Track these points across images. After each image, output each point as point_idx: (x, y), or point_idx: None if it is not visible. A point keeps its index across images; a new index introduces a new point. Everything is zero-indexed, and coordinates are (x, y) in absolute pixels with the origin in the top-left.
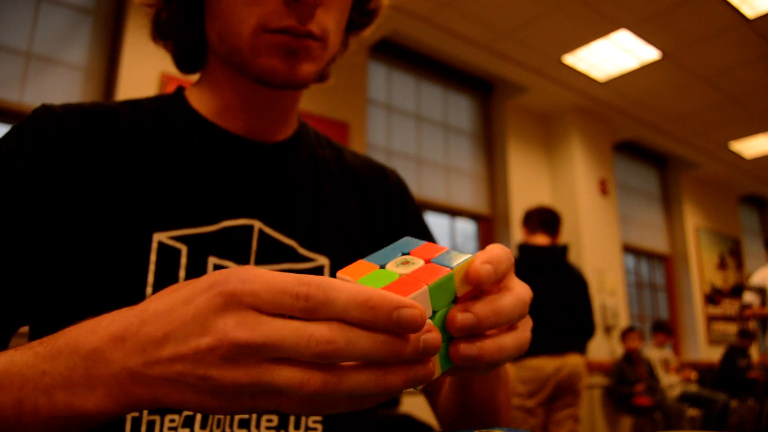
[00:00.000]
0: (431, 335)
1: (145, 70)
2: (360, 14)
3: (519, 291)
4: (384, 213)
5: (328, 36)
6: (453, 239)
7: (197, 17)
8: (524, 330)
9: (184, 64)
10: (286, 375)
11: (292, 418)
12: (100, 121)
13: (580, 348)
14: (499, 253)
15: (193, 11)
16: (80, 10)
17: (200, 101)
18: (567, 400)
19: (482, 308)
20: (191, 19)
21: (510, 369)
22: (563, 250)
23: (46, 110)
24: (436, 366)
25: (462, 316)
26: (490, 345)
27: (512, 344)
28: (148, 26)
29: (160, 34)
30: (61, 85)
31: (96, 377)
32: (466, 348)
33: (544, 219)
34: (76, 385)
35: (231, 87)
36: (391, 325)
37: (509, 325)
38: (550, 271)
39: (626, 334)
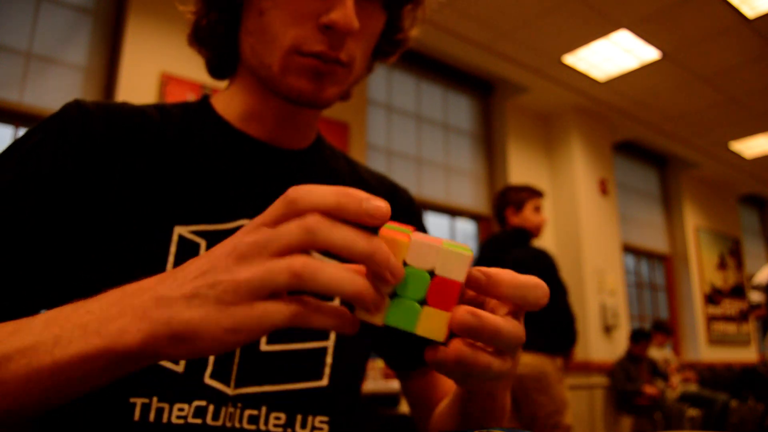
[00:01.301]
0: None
1: (145, 70)
2: (387, 44)
3: (521, 326)
4: None
5: (354, 63)
6: (453, 239)
7: (233, 28)
8: (510, 360)
9: (216, 70)
10: (280, 263)
11: (299, 417)
12: (128, 119)
13: (534, 345)
14: (506, 278)
15: (231, 22)
16: (80, 10)
17: (226, 107)
18: (526, 410)
19: (488, 319)
20: (228, 30)
21: None
22: (507, 235)
23: (77, 105)
24: (384, 305)
25: (467, 317)
26: (485, 358)
27: (498, 368)
28: (187, 32)
29: (198, 40)
30: (61, 85)
31: (128, 306)
32: (464, 348)
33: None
34: (110, 317)
35: (257, 96)
36: (361, 212)
37: (502, 349)
38: (488, 261)
39: (639, 340)
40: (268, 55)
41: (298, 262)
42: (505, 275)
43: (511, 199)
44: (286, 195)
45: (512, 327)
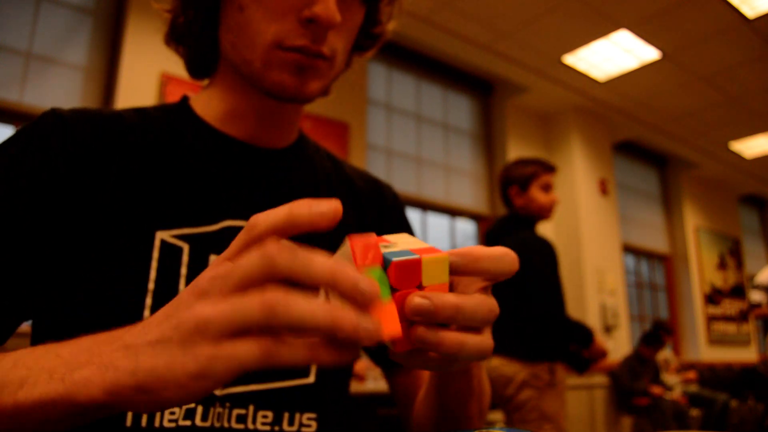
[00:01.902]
0: (370, 283)
1: (145, 70)
2: (365, 37)
3: (489, 299)
4: (378, 225)
5: (336, 56)
6: (453, 239)
7: (212, 25)
8: (489, 337)
9: (195, 69)
10: (248, 300)
11: (286, 414)
12: (107, 125)
13: (507, 349)
14: (480, 252)
15: (209, 20)
16: (80, 10)
17: (205, 107)
18: (516, 416)
19: (441, 299)
20: (206, 27)
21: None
22: (506, 220)
23: (54, 114)
24: (396, 330)
25: (418, 300)
26: (452, 337)
27: (474, 345)
28: (163, 30)
29: (175, 38)
30: (61, 85)
31: (96, 354)
32: (425, 331)
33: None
34: (77, 364)
35: (239, 94)
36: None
37: (469, 325)
38: None
39: (651, 343)
40: (249, 51)
41: (271, 294)
42: (478, 250)
43: (515, 175)
44: (247, 223)
45: (478, 301)
